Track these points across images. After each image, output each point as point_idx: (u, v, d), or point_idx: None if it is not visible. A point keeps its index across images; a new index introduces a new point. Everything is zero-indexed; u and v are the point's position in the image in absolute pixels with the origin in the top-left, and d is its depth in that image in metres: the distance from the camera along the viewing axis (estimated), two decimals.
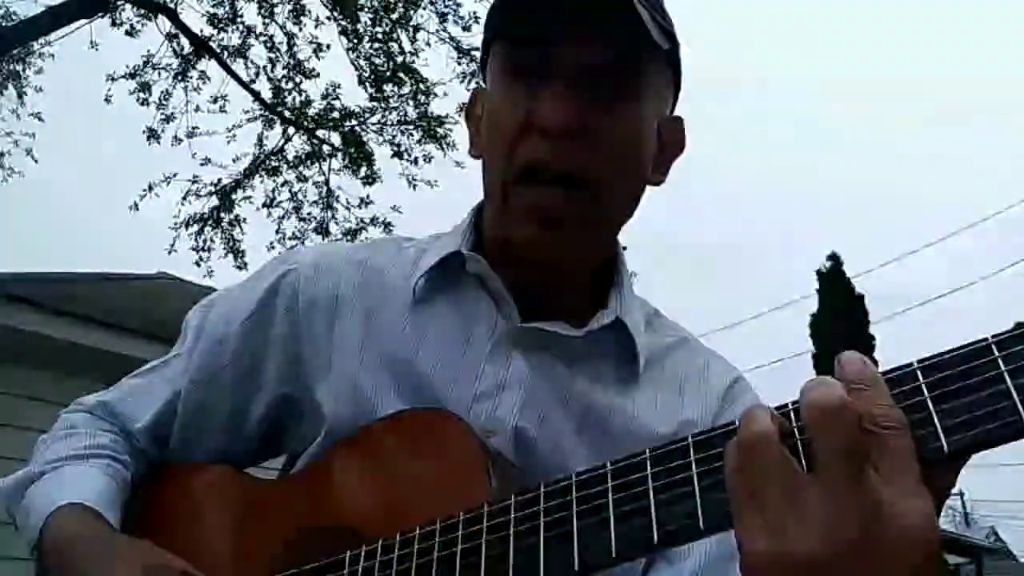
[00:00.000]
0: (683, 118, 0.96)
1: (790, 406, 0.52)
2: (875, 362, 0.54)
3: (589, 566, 0.57)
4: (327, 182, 9.67)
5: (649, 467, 0.57)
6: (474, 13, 8.64)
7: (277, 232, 9.68)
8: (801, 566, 0.47)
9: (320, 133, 9.64)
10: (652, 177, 0.92)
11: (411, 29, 9.01)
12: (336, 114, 9.50)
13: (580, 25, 0.80)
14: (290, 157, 9.70)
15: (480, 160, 0.90)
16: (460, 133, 8.77)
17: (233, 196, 9.58)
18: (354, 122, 9.51)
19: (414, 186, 9.24)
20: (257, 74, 9.25)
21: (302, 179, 9.74)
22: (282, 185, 9.73)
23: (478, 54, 1.03)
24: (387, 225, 9.39)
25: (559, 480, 0.62)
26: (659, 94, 0.89)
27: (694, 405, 0.90)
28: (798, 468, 0.49)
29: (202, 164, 9.36)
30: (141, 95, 9.09)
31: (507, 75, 0.86)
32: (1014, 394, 0.46)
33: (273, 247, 9.65)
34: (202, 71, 9.23)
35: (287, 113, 9.50)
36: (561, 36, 0.81)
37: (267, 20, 9.07)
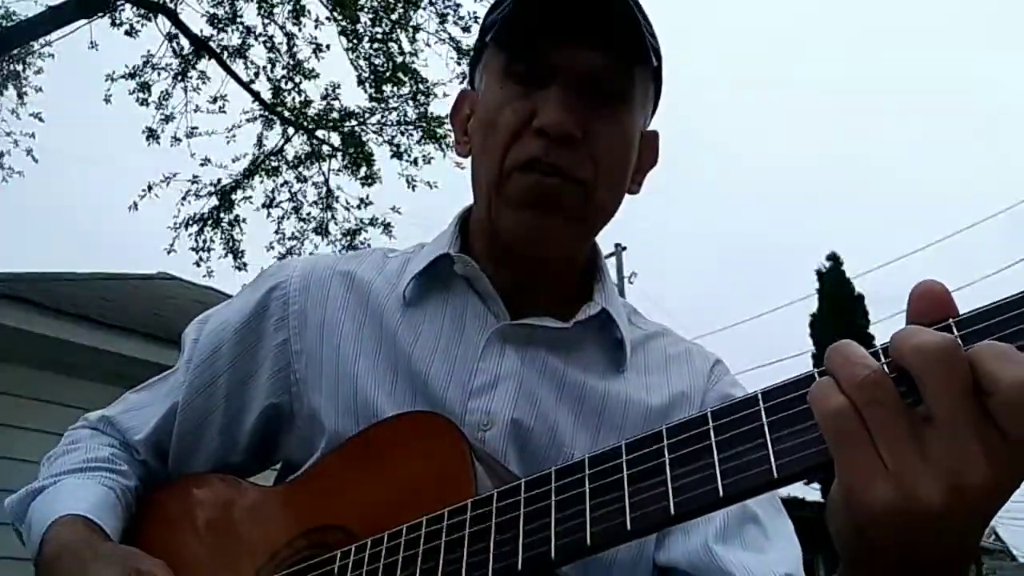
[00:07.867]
0: (658, 132, 0.98)
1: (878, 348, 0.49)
2: None
3: (595, 546, 0.57)
4: (327, 182, 9.68)
5: (666, 440, 0.57)
6: (474, 13, 8.63)
7: (277, 232, 9.70)
8: (927, 514, 0.44)
9: (320, 133, 9.64)
10: (630, 186, 0.94)
11: (411, 29, 9.02)
12: (336, 114, 9.50)
13: (580, 32, 0.82)
14: (290, 157, 9.71)
15: (469, 159, 0.93)
16: None
17: (233, 196, 9.58)
18: (354, 122, 9.52)
19: (414, 187, 9.25)
20: (257, 74, 9.27)
21: (302, 179, 9.75)
22: (282, 185, 9.74)
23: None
24: (387, 226, 9.40)
25: (544, 470, 0.64)
26: (644, 106, 0.92)
27: (682, 379, 0.94)
28: (916, 410, 0.45)
29: (202, 164, 9.37)
30: (141, 95, 9.10)
31: (506, 79, 0.87)
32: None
33: (273, 247, 9.68)
34: (202, 71, 9.24)
35: (287, 113, 9.50)
36: (561, 42, 0.83)
37: (267, 20, 9.09)
